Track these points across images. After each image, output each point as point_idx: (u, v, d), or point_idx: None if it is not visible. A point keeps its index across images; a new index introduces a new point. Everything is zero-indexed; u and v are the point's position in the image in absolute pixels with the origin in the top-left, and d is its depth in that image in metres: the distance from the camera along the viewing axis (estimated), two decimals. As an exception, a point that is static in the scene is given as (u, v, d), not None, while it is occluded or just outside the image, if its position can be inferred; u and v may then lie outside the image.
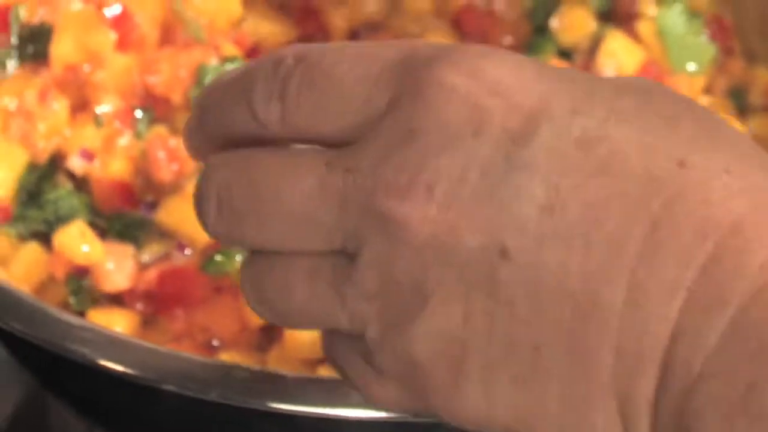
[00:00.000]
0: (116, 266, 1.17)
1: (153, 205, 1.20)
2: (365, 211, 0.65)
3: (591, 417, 0.63)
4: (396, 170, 0.64)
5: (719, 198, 0.60)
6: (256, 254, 0.71)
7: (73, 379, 1.10)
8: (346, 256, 0.67)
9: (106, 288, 1.17)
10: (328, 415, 0.93)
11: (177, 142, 1.19)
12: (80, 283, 1.17)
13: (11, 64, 1.24)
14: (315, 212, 0.67)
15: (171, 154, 1.20)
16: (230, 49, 1.27)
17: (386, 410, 0.72)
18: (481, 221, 0.62)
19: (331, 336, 0.71)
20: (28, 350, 1.06)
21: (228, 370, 0.96)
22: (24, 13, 1.25)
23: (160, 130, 1.22)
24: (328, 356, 0.72)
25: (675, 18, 1.32)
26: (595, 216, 0.61)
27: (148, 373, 0.96)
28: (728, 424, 0.58)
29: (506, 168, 0.62)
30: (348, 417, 0.93)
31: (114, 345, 0.98)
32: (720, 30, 1.36)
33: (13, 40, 1.24)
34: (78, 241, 1.16)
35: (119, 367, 0.96)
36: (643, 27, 1.32)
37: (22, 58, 1.23)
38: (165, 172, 1.20)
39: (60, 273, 1.16)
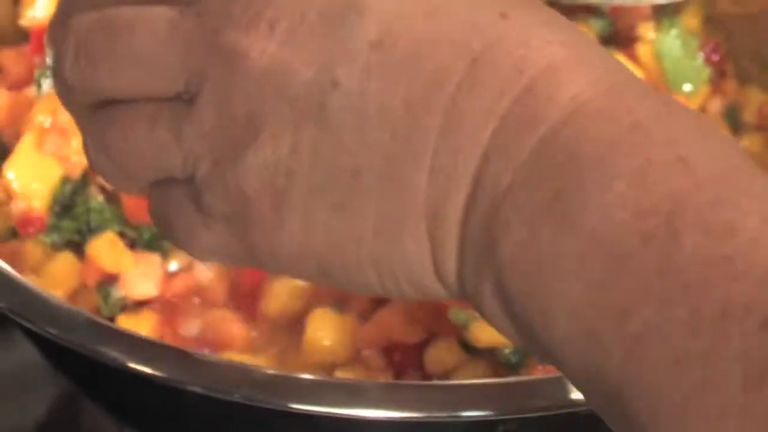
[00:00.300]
0: (144, 275, 1.17)
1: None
2: (209, 47, 0.67)
3: (403, 243, 0.65)
4: (242, 8, 0.66)
5: (537, 44, 0.63)
6: (101, 109, 0.72)
7: (104, 381, 1.10)
8: (187, 102, 0.68)
9: (134, 295, 1.16)
10: (345, 415, 0.93)
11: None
12: (110, 290, 1.17)
13: (46, 84, 1.23)
14: (164, 53, 0.68)
15: None
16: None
17: (211, 260, 0.75)
18: (316, 55, 0.65)
19: (159, 187, 0.72)
20: (61, 354, 1.06)
21: (250, 372, 0.96)
22: (59, 36, 1.25)
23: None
24: (153, 210, 0.73)
25: (672, 42, 1.32)
26: (421, 52, 0.64)
27: (175, 375, 0.96)
28: (533, 231, 0.60)
29: (343, 10, 0.65)
30: (363, 417, 0.93)
31: (142, 348, 0.98)
32: (714, 53, 1.36)
33: (48, 60, 1.23)
34: (109, 250, 1.16)
35: (147, 370, 0.96)
36: (642, 50, 1.33)
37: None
38: None
39: (91, 281, 1.16)
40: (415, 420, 0.94)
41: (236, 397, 0.94)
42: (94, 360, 0.97)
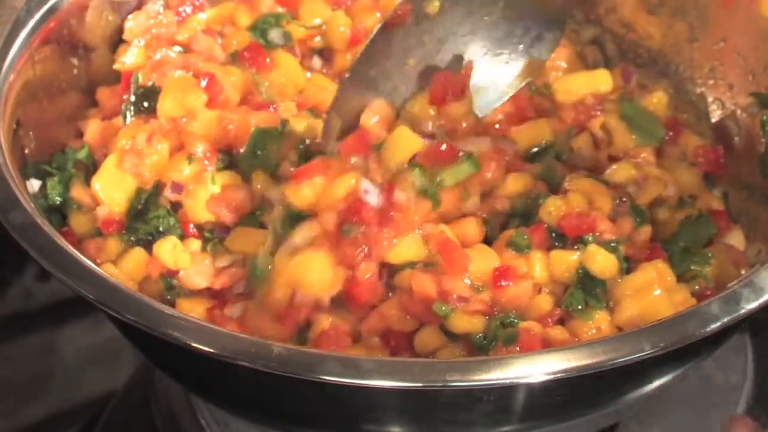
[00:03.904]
0: (198, 270, 1.18)
1: (227, 229, 1.22)
2: None
3: None
4: None
5: None
6: None
7: (171, 355, 1.10)
8: None
9: (189, 286, 1.17)
10: (343, 382, 0.93)
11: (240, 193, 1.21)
12: (171, 281, 1.18)
13: (129, 115, 1.24)
14: None
15: (230, 206, 1.21)
16: (290, 108, 1.28)
17: None
18: None
19: None
20: (138, 334, 1.07)
21: (271, 347, 0.95)
22: (141, 78, 1.26)
23: (227, 177, 1.22)
24: None
25: (627, 108, 1.30)
26: None
27: (216, 349, 0.96)
28: None
29: None
30: (358, 384, 0.93)
31: (197, 330, 0.98)
32: (674, 128, 1.34)
33: (132, 97, 1.25)
34: (171, 251, 1.17)
35: (200, 346, 0.97)
36: (610, 119, 1.30)
37: (137, 111, 1.24)
38: (227, 218, 1.21)
39: (155, 273, 1.18)
40: (404, 388, 0.94)
41: (258, 366, 0.94)
42: (162, 339, 0.98)
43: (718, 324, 0.95)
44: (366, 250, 1.09)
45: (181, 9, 1.36)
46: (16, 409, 1.42)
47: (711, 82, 1.37)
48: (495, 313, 1.07)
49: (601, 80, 1.36)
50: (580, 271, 1.09)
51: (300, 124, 1.24)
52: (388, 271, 1.12)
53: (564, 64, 1.42)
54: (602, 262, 1.08)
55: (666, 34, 1.42)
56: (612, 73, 1.38)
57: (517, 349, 1.03)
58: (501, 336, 1.05)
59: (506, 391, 0.98)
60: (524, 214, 1.16)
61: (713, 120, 1.36)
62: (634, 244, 1.11)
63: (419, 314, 1.08)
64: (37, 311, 1.53)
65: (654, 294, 1.06)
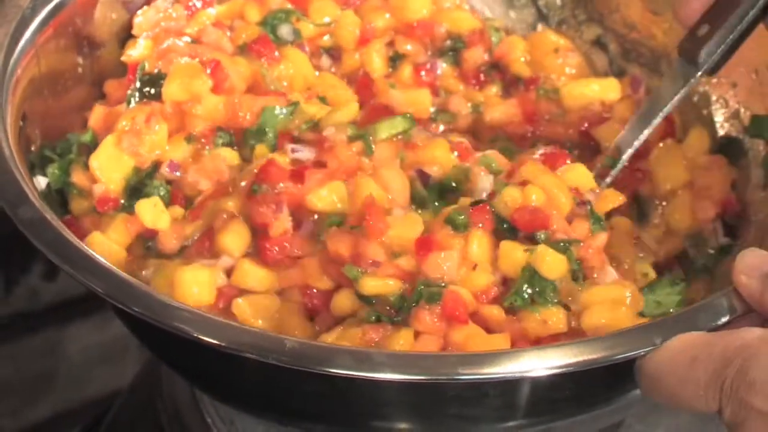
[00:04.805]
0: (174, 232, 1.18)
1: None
2: None
3: None
4: None
5: None
6: None
7: (179, 350, 1.09)
8: None
9: (166, 249, 1.18)
10: (355, 375, 0.92)
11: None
12: (148, 244, 1.19)
13: (133, 101, 1.25)
14: None
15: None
16: (296, 96, 1.27)
17: None
18: None
19: None
20: (146, 329, 1.06)
21: (283, 341, 0.94)
22: (147, 66, 1.26)
23: (225, 154, 1.22)
24: None
25: None
26: None
27: (228, 342, 0.95)
28: None
29: None
30: (368, 377, 0.92)
31: (207, 324, 0.97)
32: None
33: (137, 83, 1.26)
34: (152, 210, 1.18)
35: (211, 340, 0.96)
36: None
37: (142, 97, 1.25)
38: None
39: (133, 233, 1.18)
40: (413, 381, 0.93)
41: (270, 360, 0.93)
42: (170, 333, 0.97)
43: (729, 317, 0.95)
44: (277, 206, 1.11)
45: (190, 4, 1.35)
46: (21, 408, 1.42)
47: (714, 80, 1.36)
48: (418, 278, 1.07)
49: (610, 89, 1.38)
50: (528, 269, 1.08)
51: (311, 108, 1.24)
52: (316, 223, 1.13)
53: (573, 71, 1.43)
54: (551, 262, 1.07)
55: (668, 34, 1.43)
56: (620, 81, 1.40)
57: (438, 308, 1.03)
58: (424, 294, 1.05)
59: (516, 384, 0.97)
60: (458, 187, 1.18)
61: (716, 118, 1.37)
62: (587, 248, 1.10)
63: (333, 275, 1.09)
64: (43, 310, 1.53)
65: (622, 309, 1.07)
